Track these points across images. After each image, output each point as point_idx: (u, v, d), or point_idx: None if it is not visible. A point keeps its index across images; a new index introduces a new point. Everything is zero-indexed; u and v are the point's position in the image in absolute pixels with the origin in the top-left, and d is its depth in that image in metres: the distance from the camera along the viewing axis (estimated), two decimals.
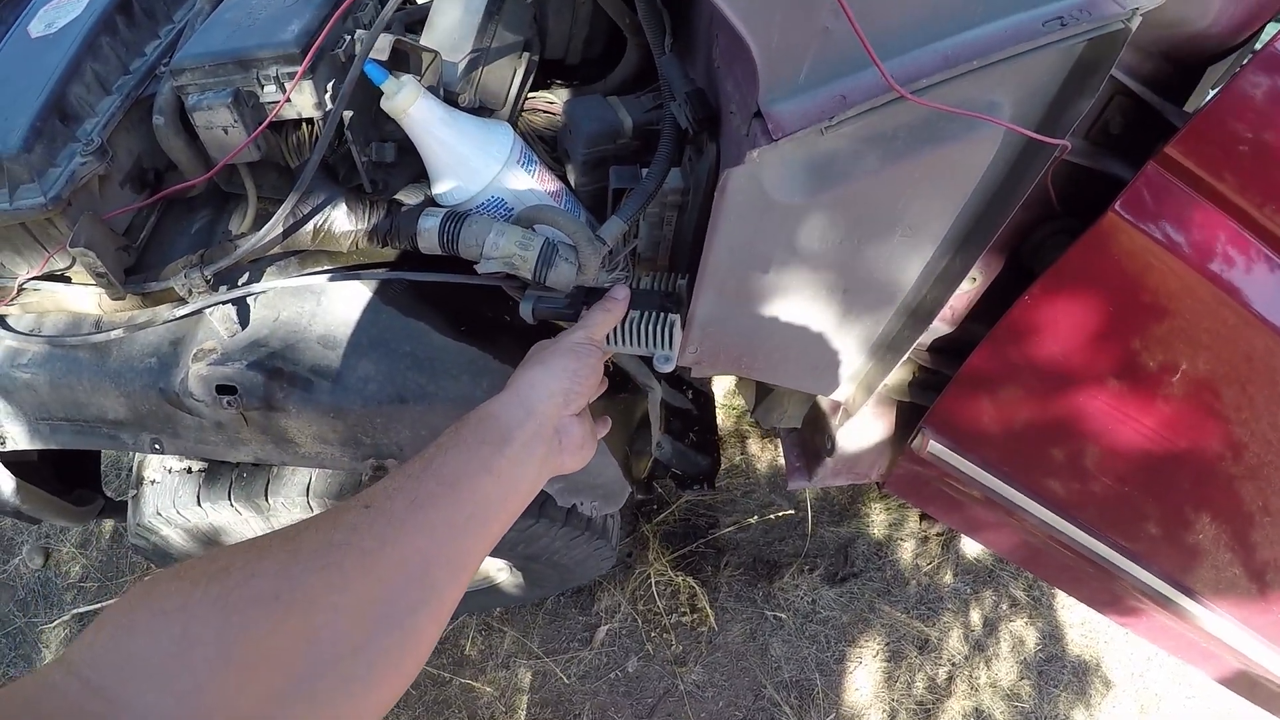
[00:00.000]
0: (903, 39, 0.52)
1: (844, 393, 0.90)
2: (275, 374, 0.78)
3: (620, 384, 1.02)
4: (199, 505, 1.01)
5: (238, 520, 1.02)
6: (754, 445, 1.91)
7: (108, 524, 2.12)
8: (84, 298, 0.83)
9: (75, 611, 1.98)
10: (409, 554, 0.44)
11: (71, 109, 0.75)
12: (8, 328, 0.86)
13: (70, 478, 1.22)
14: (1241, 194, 0.65)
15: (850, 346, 0.80)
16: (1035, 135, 0.55)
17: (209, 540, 1.09)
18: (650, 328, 0.70)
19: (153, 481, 1.07)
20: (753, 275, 0.69)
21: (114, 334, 0.81)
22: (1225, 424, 0.77)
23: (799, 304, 0.73)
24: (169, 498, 1.04)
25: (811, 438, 1.14)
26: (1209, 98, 0.64)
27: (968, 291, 0.81)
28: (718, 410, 1.54)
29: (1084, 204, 0.71)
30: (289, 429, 0.82)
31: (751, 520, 1.78)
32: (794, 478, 1.20)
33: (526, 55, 0.82)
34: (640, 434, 1.12)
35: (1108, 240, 0.68)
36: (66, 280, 0.82)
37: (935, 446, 0.95)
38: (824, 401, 1.07)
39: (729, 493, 1.83)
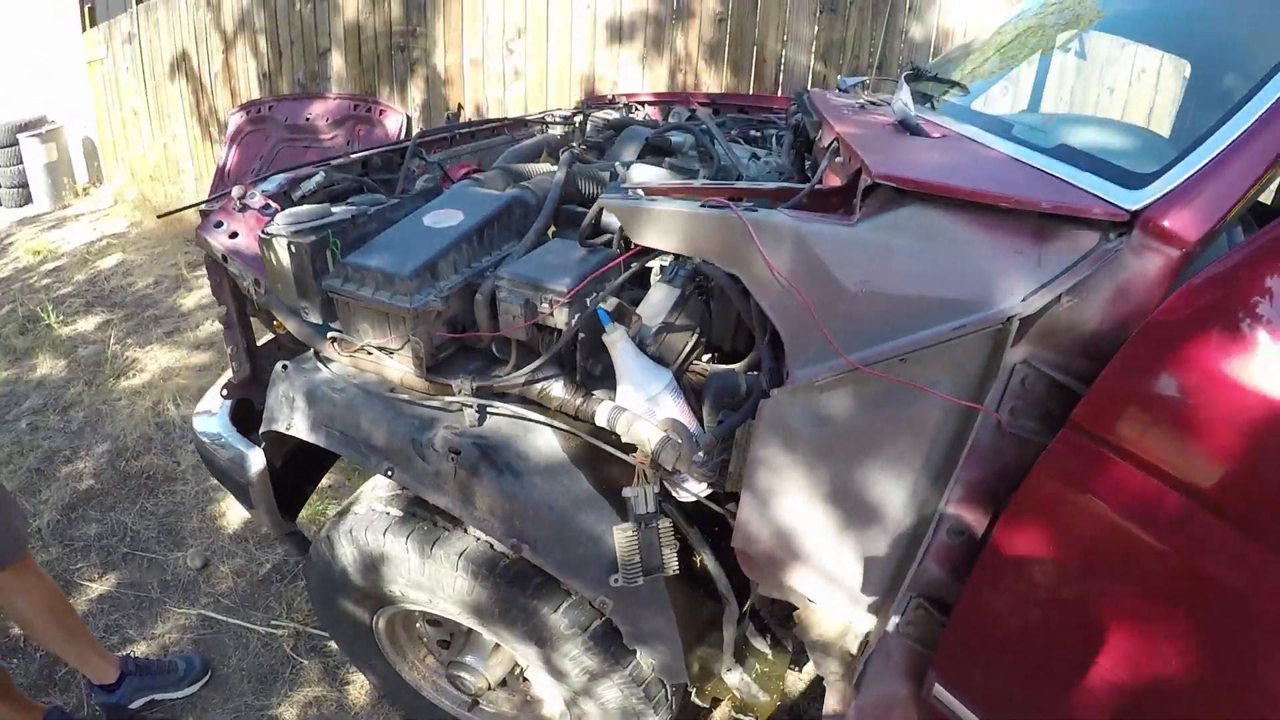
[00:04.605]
0: (868, 339, 0.95)
1: (864, 619, 1.18)
2: (485, 455, 1.22)
3: (703, 585, 1.38)
4: (382, 536, 1.43)
5: (403, 557, 1.43)
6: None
7: (265, 564, 2.62)
8: (394, 369, 1.33)
9: (203, 613, 2.42)
10: None
11: (438, 271, 1.32)
12: (325, 364, 1.40)
13: (281, 502, 1.72)
14: (1135, 446, 0.88)
15: (855, 561, 1.13)
16: (944, 396, 0.91)
17: (370, 567, 1.50)
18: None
19: (356, 513, 1.52)
20: (780, 484, 1.07)
21: (405, 396, 1.30)
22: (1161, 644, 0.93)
23: (810, 510, 1.09)
24: (364, 525, 1.47)
25: (844, 672, 1.36)
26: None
27: (959, 544, 1.08)
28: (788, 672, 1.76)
29: None
30: (475, 493, 1.26)
31: None
32: (830, 714, 1.40)
33: (696, 334, 1.31)
34: (714, 641, 1.45)
35: (1035, 491, 0.96)
36: (390, 353, 1.33)
37: (940, 691, 1.17)
38: (852, 645, 1.32)
39: None
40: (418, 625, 1.82)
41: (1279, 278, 0.80)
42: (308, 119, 4.98)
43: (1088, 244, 0.89)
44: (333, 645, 2.27)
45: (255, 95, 5.40)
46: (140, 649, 2.31)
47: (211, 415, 1.81)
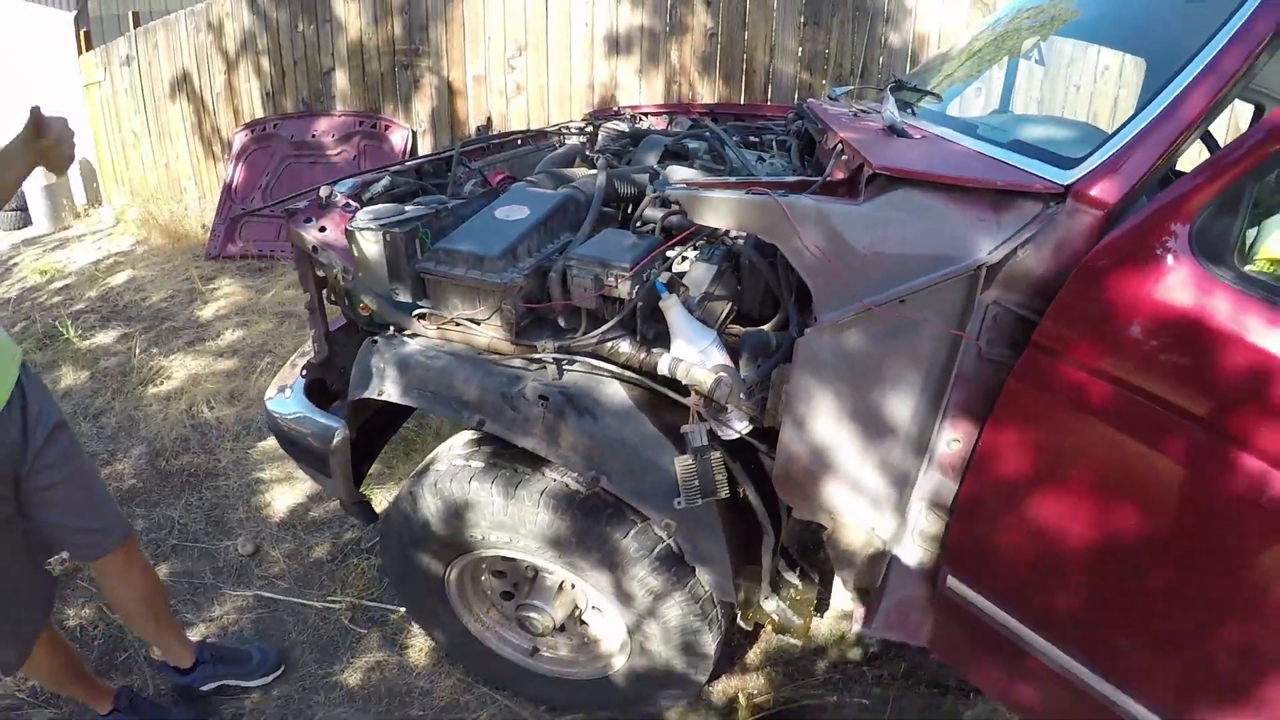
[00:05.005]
0: (873, 285, 1.28)
1: (884, 525, 1.50)
2: (569, 401, 1.54)
3: (744, 522, 1.71)
4: (467, 485, 1.74)
5: (486, 500, 1.74)
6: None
7: (315, 547, 2.87)
8: (481, 337, 1.65)
9: (259, 594, 2.65)
10: None
11: (517, 254, 1.63)
12: (414, 337, 1.74)
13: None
14: (1079, 354, 1.21)
15: (875, 471, 1.46)
16: (938, 325, 1.28)
17: (454, 514, 1.80)
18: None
19: (439, 469, 1.82)
20: (812, 406, 1.41)
21: (497, 357, 1.62)
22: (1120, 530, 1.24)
23: (838, 429, 1.43)
24: (449, 477, 1.78)
25: (872, 588, 1.67)
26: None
27: (955, 452, 1.41)
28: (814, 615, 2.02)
29: None
30: (560, 433, 1.58)
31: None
32: (858, 623, 1.72)
33: (730, 304, 1.64)
34: (752, 575, 1.77)
35: (1010, 399, 1.29)
36: (475, 322, 1.64)
37: (953, 582, 1.49)
38: (875, 556, 1.63)
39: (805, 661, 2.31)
40: (483, 579, 2.12)
41: (1178, 224, 1.14)
42: (313, 135, 5.30)
43: (1033, 211, 1.23)
44: (390, 615, 2.52)
45: (259, 114, 5.70)
46: (199, 631, 2.50)
47: (286, 396, 2.11)
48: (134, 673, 2.36)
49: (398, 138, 5.09)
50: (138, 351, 4.32)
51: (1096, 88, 3.98)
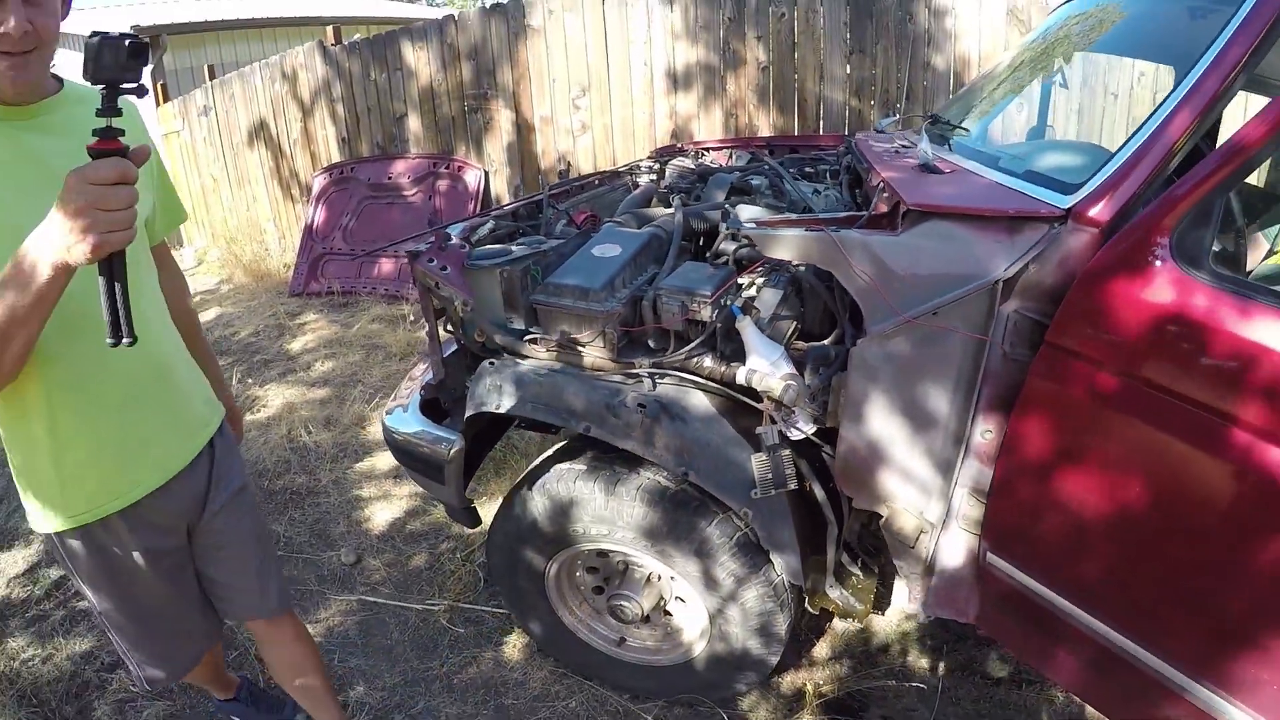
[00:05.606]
0: (911, 301, 1.62)
1: (932, 510, 1.83)
2: (663, 408, 1.92)
3: (810, 517, 2.04)
4: (573, 484, 2.12)
5: (589, 497, 2.10)
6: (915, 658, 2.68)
7: (413, 556, 3.23)
8: (587, 356, 2.03)
9: (362, 598, 2.96)
10: None
11: (615, 286, 2.01)
12: (531, 357, 2.10)
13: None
14: (1085, 349, 1.46)
15: (922, 461, 1.78)
16: (964, 331, 1.61)
17: (560, 511, 2.18)
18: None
19: (546, 471, 2.20)
20: (866, 405, 1.75)
21: (599, 373, 2.01)
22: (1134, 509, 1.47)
23: (889, 425, 1.75)
24: (556, 478, 2.16)
25: (922, 567, 1.99)
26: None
27: (989, 441, 1.72)
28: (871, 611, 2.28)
29: None
30: (656, 435, 1.95)
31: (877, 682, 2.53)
32: (913, 604, 2.02)
33: (794, 322, 1.99)
34: (818, 566, 2.10)
35: (1031, 392, 1.53)
36: (581, 344, 2.03)
37: (993, 559, 1.79)
38: (926, 540, 1.94)
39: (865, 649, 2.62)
40: (578, 574, 2.46)
41: (1161, 235, 1.42)
42: (390, 177, 5.82)
43: (1040, 232, 1.54)
44: (486, 616, 2.81)
45: (335, 158, 6.24)
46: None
47: (404, 412, 2.51)
48: (245, 667, 2.63)
49: (471, 178, 5.56)
50: (234, 382, 4.82)
51: (1134, 94, 4.24)
